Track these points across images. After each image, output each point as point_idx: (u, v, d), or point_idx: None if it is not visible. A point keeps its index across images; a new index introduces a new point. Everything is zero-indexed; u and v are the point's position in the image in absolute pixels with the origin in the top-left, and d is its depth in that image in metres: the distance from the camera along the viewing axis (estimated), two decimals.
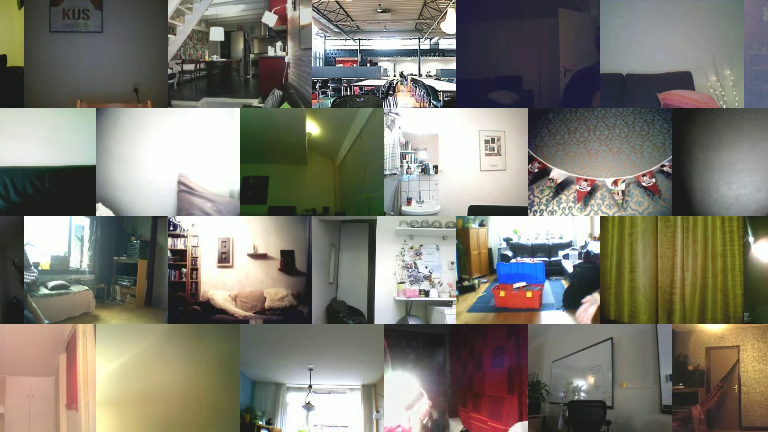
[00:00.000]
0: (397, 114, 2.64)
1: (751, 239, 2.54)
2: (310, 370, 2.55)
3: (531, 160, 2.56)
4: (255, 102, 2.79)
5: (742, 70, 2.61)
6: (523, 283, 2.71)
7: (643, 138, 2.51)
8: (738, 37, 2.60)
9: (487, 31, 2.67)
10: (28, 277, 2.42)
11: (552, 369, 2.58)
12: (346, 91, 2.75)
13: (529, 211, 2.54)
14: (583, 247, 2.84)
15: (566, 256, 2.91)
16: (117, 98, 2.74)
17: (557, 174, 2.55)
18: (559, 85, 2.74)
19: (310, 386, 2.56)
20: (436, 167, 2.80)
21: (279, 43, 2.96)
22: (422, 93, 2.98)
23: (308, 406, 2.55)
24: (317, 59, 2.86)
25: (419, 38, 2.72)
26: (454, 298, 2.70)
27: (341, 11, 2.70)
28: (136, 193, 2.45)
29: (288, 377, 2.60)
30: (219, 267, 2.71)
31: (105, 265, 2.64)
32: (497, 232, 3.06)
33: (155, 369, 2.43)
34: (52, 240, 2.53)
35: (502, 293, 2.67)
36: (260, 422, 2.54)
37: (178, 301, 2.58)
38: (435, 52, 3.02)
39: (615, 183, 2.51)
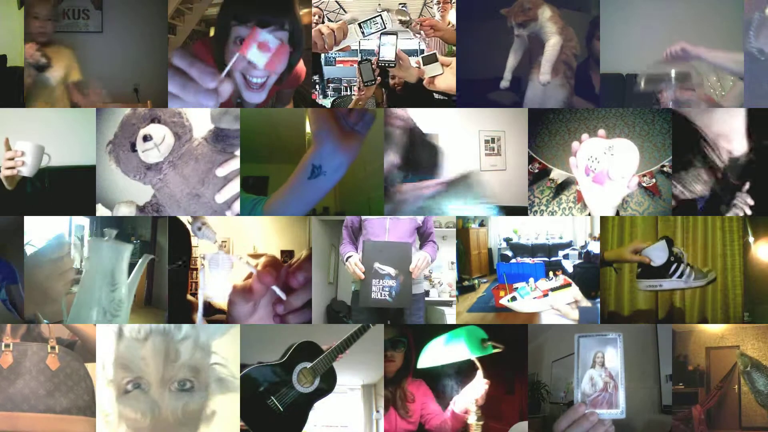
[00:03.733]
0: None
1: (751, 239, 2.54)
2: None
3: (531, 160, 2.56)
4: None
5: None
6: (524, 283, 2.71)
7: (643, 138, 2.51)
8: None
9: (487, 31, 2.67)
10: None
11: (552, 369, 2.58)
12: (346, 91, 2.75)
13: (529, 211, 2.54)
14: (583, 247, 2.85)
15: (566, 256, 2.92)
16: (117, 98, 2.74)
17: (557, 174, 2.55)
18: None
19: None
20: None
21: None
22: None
23: None
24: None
25: (417, 36, 2.72)
26: (454, 298, 2.70)
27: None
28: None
29: None
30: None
31: None
32: (497, 232, 3.06)
33: None
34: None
35: (502, 293, 2.68)
36: None
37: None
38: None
39: None
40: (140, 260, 2.35)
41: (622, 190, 2.23)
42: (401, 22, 2.69)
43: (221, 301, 2.17)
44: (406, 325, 2.54)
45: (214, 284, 2.15)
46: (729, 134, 2.46)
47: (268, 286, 2.15)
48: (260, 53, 2.23)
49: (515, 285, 2.65)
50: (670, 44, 2.55)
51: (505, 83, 2.69)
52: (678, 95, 2.55)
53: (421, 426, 2.49)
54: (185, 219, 2.38)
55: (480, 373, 2.25)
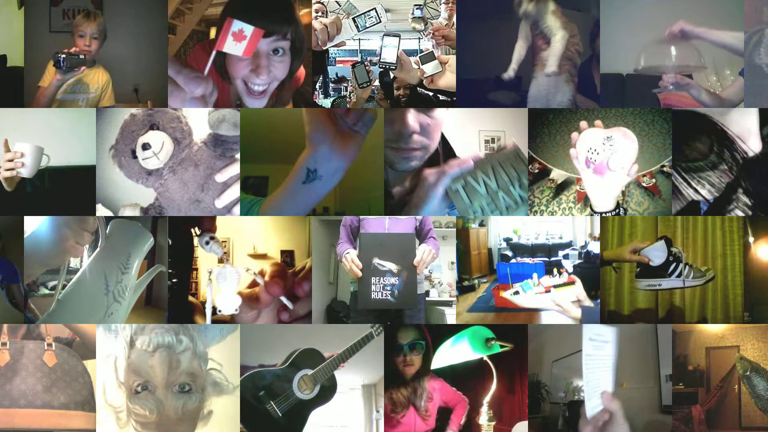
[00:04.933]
0: None
1: (751, 239, 2.54)
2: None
3: (531, 160, 2.56)
4: None
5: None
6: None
7: (643, 138, 2.51)
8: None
9: (487, 31, 2.67)
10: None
11: (552, 369, 2.58)
12: (346, 90, 2.75)
13: (529, 211, 2.54)
14: (583, 247, 2.85)
15: (566, 256, 2.91)
16: (117, 98, 2.74)
17: (557, 174, 2.55)
18: None
19: None
20: None
21: None
22: None
23: None
24: None
25: (419, 38, 2.72)
26: (454, 298, 2.70)
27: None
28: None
29: None
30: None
31: None
32: (497, 232, 3.06)
33: None
34: None
35: (502, 293, 2.67)
36: None
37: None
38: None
39: None
40: (151, 269, 2.34)
41: (623, 179, 2.25)
42: (416, 30, 2.68)
43: (231, 313, 2.19)
44: (424, 325, 2.52)
45: (224, 298, 2.17)
46: (744, 135, 2.46)
47: (276, 296, 2.16)
48: (236, 43, 2.23)
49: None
50: (670, 25, 2.56)
51: (510, 74, 2.67)
52: (678, 80, 2.55)
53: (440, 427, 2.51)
54: (192, 231, 2.39)
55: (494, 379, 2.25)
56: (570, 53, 2.63)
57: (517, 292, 2.57)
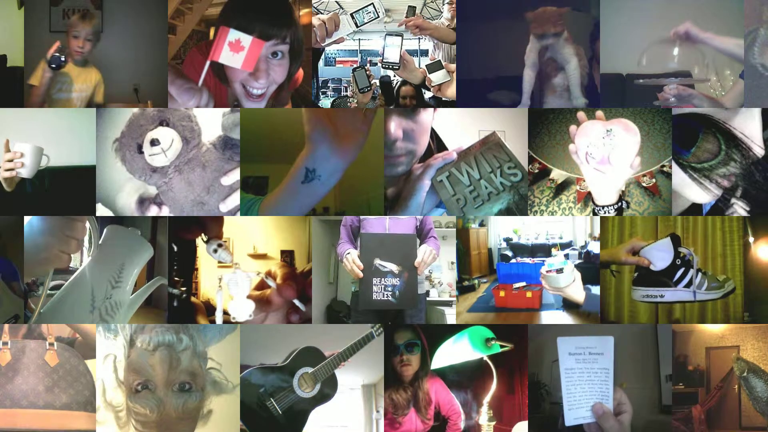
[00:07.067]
0: None
1: (751, 239, 2.54)
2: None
3: (531, 160, 2.56)
4: None
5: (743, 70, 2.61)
6: (523, 283, 2.71)
7: (643, 138, 2.51)
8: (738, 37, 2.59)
9: (487, 31, 2.67)
10: (28, 277, 2.42)
11: (552, 369, 2.58)
12: (346, 91, 2.75)
13: (529, 211, 2.54)
14: (583, 247, 2.85)
15: (566, 256, 2.91)
16: (117, 98, 2.74)
17: (557, 174, 2.55)
18: None
19: None
20: None
21: None
22: None
23: None
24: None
25: (419, 38, 2.72)
26: (454, 298, 2.70)
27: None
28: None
29: None
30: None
31: None
32: (497, 232, 3.06)
33: None
34: None
35: (502, 293, 2.68)
36: None
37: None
38: None
39: None
40: (150, 282, 2.32)
41: (626, 172, 2.20)
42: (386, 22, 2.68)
43: (245, 319, 2.18)
44: (418, 325, 2.52)
45: (237, 305, 2.16)
46: (749, 137, 2.43)
47: (290, 299, 2.16)
48: (233, 54, 2.21)
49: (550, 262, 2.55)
50: (672, 25, 2.55)
51: (526, 103, 2.67)
52: (681, 91, 2.53)
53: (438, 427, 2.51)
54: (199, 239, 2.39)
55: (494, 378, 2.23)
56: (582, 77, 2.65)
57: (560, 270, 2.37)
